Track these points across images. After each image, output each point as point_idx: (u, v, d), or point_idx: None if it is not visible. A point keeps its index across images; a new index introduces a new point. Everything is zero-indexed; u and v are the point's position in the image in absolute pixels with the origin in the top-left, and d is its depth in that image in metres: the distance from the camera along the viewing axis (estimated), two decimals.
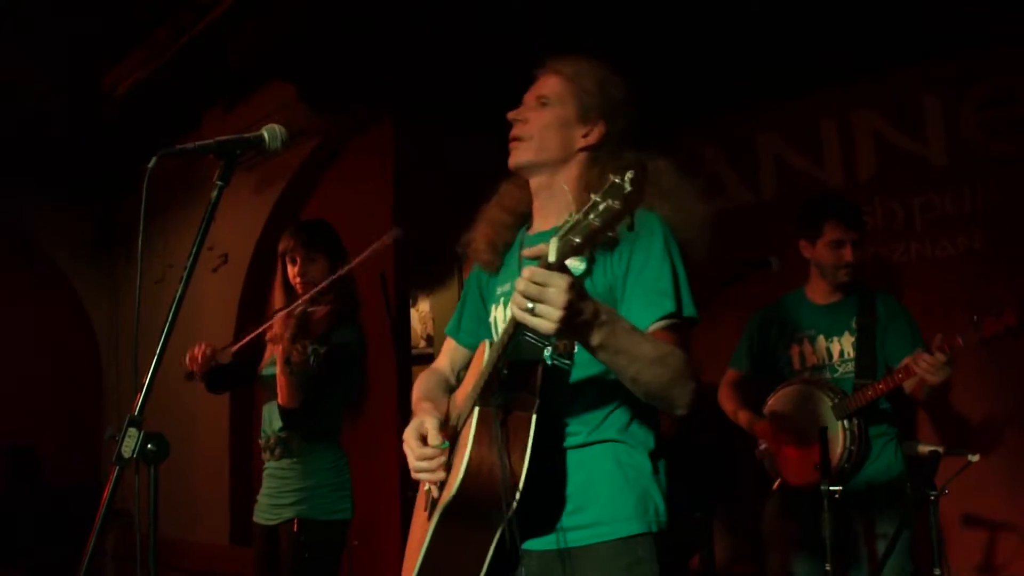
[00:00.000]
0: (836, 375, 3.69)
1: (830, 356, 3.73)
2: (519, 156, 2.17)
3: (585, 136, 2.15)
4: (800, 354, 3.80)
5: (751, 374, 4.00)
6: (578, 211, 1.55)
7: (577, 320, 1.68)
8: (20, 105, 6.08)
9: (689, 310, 2.00)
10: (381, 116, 5.72)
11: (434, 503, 2.10)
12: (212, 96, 6.18)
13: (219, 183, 1.94)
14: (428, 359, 4.36)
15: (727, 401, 4.02)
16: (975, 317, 3.23)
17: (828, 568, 3.19)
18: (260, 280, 6.04)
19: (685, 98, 4.96)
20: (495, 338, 2.15)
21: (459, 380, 2.42)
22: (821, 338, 3.75)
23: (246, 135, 2.01)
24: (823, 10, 4.22)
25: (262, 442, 3.68)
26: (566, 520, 1.99)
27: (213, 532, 6.46)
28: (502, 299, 2.24)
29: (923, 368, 3.29)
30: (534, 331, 1.71)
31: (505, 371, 1.92)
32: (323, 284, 3.53)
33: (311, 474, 3.55)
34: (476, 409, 1.90)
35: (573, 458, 2.02)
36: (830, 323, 3.76)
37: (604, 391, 2.02)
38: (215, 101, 6.25)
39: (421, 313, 6.37)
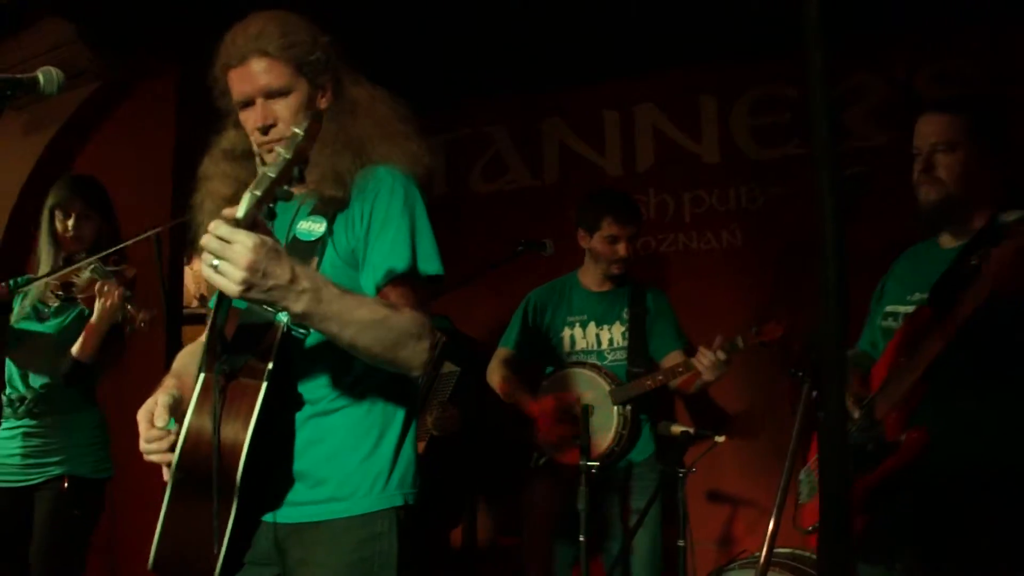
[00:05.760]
0: (605, 362, 3.85)
1: (599, 343, 3.89)
2: None
3: (323, 98, 2.07)
4: (571, 338, 3.94)
5: (522, 354, 4.08)
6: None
7: (267, 284, 1.60)
8: None
9: (429, 266, 1.94)
10: (167, 63, 5.47)
11: None
12: None
13: None
14: (201, 319, 4.24)
15: (495, 375, 4.08)
16: (753, 326, 3.46)
17: (582, 539, 3.36)
18: (23, 228, 5.66)
19: (474, 75, 5.01)
20: None
21: None
22: (592, 324, 3.91)
23: (20, 76, 1.91)
24: (611, 5, 4.37)
25: (5, 399, 3.57)
26: (305, 494, 1.94)
27: None
28: None
29: (704, 365, 3.48)
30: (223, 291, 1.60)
31: (230, 336, 1.86)
32: (122, 246, 3.59)
33: (78, 431, 3.55)
34: (201, 376, 1.84)
35: (313, 428, 1.95)
36: (603, 311, 3.92)
37: (344, 358, 1.91)
38: None
39: (195, 272, 6.17)
